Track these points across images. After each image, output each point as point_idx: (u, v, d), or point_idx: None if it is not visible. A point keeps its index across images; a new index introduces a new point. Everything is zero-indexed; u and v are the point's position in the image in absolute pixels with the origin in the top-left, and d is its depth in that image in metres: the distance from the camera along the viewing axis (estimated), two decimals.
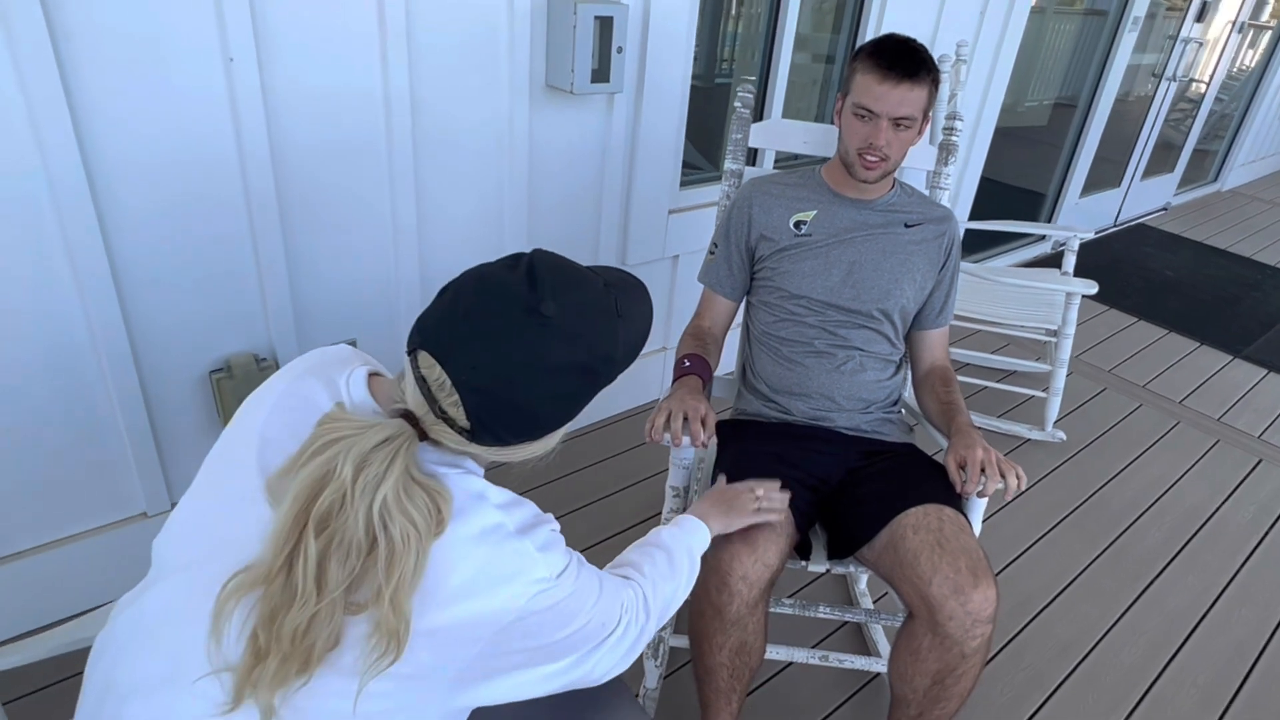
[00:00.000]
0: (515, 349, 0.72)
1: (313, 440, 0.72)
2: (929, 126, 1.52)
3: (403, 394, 0.77)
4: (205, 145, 1.54)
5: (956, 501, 1.36)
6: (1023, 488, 1.29)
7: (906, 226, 1.54)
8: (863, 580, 2.01)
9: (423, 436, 0.75)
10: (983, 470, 1.29)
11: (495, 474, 0.83)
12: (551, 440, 0.82)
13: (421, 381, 0.74)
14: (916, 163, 1.75)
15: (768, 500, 1.26)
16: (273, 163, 1.62)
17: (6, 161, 1.34)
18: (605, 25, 1.89)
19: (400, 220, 1.86)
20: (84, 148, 1.40)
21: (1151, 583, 2.16)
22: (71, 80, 1.35)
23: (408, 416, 0.75)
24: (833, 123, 1.56)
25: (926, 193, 1.70)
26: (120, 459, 1.68)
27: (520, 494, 0.79)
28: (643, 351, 0.85)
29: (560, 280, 0.76)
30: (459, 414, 0.73)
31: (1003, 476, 1.28)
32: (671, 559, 1.06)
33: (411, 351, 0.75)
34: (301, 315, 1.80)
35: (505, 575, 0.74)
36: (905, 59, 1.39)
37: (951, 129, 1.71)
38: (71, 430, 1.60)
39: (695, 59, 2.66)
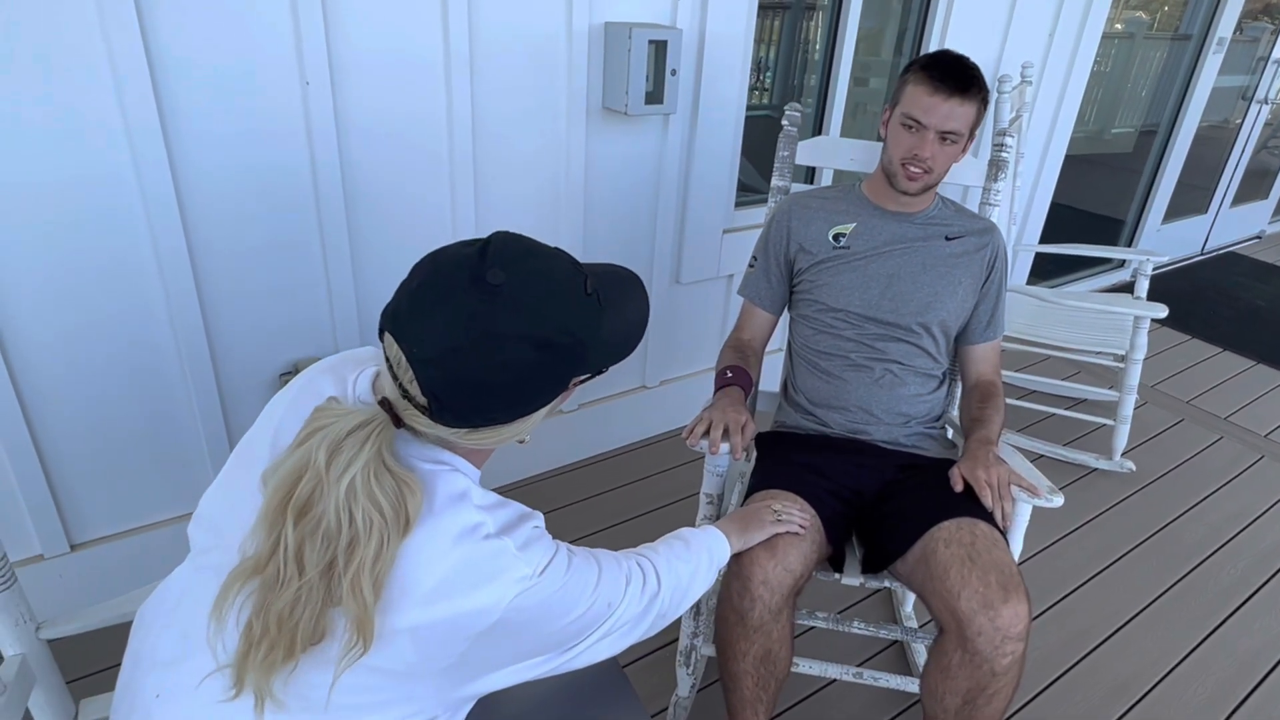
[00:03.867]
0: (460, 317, 0.71)
1: (299, 432, 0.73)
2: (973, 144, 1.51)
3: (384, 384, 0.78)
4: (282, 164, 1.66)
5: (993, 516, 1.34)
6: (1040, 496, 1.31)
7: (947, 240, 1.54)
8: (909, 603, 1.98)
9: (399, 423, 0.76)
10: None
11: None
12: (525, 424, 0.79)
13: (387, 363, 0.75)
14: (967, 179, 1.75)
15: (786, 513, 1.28)
16: (343, 180, 1.73)
17: (106, 177, 1.48)
18: (659, 49, 1.95)
19: (461, 235, 1.95)
20: (174, 163, 1.53)
21: (1223, 623, 2.05)
22: (165, 102, 1.49)
23: (384, 403, 0.76)
24: (878, 138, 1.58)
25: (976, 209, 1.69)
26: (196, 454, 1.80)
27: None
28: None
29: (513, 252, 0.74)
30: (416, 390, 0.72)
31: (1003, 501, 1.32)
32: (689, 547, 1.07)
33: (380, 336, 0.76)
34: (365, 323, 1.90)
35: (484, 575, 0.74)
36: (957, 74, 1.40)
37: (1001, 145, 1.70)
38: (152, 426, 1.73)
39: (768, 89, 2.71)
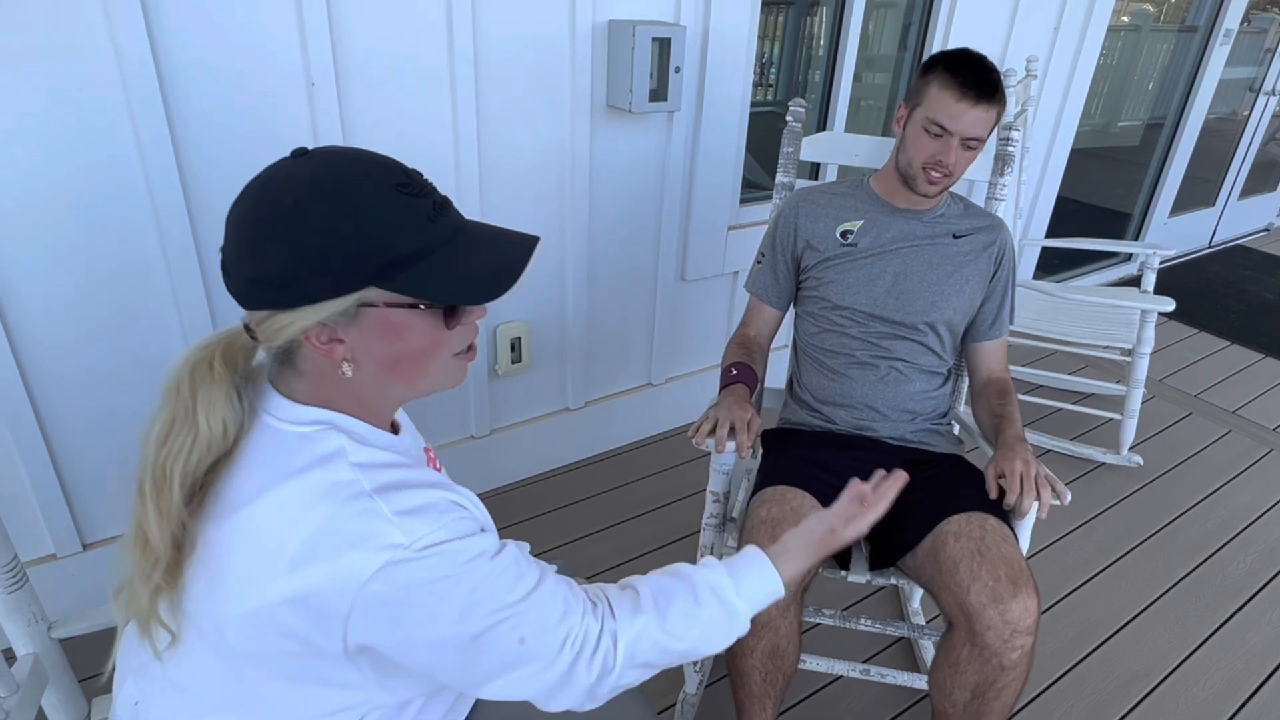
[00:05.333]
0: (251, 185, 0.73)
1: None
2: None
3: None
4: None
5: (1001, 511, 1.34)
6: (1064, 501, 1.28)
7: (955, 237, 1.53)
8: (915, 599, 1.98)
9: (253, 337, 0.74)
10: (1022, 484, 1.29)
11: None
12: (306, 315, 0.70)
13: None
14: (972, 174, 1.74)
15: (872, 494, 0.99)
16: None
17: (115, 181, 1.49)
18: (663, 46, 1.95)
19: None
20: (180, 162, 1.54)
21: (1232, 616, 2.05)
22: (171, 100, 1.49)
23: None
24: (891, 134, 1.57)
25: (981, 203, 1.69)
26: None
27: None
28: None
29: (338, 149, 0.74)
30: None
31: (1038, 492, 1.27)
32: (698, 600, 0.83)
33: None
34: None
35: (349, 538, 0.67)
36: (983, 79, 1.37)
37: (1007, 139, 1.69)
38: None
39: (773, 85, 2.71)
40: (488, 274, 0.73)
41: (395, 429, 0.86)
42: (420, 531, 0.69)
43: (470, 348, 0.80)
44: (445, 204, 0.74)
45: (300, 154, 0.73)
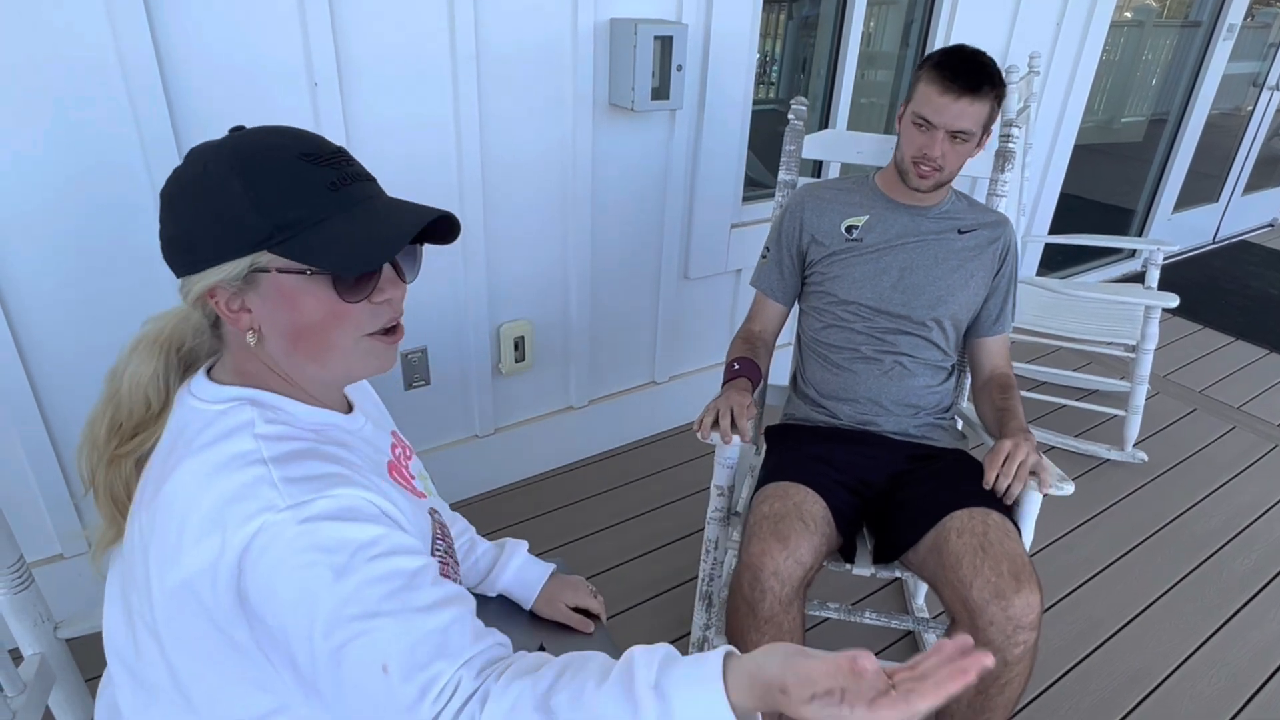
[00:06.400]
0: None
1: None
2: (989, 138, 1.51)
3: None
4: None
5: (1004, 506, 1.34)
6: (1057, 491, 1.29)
7: (960, 233, 1.54)
8: (920, 594, 1.98)
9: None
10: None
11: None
12: (203, 278, 0.72)
13: None
14: (975, 170, 1.74)
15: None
16: None
17: (122, 189, 1.50)
18: (665, 45, 1.95)
19: (469, 234, 1.96)
20: None
21: (1236, 613, 2.04)
22: (174, 101, 1.50)
23: None
24: (894, 131, 1.58)
25: (983, 200, 1.69)
26: None
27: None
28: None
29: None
30: None
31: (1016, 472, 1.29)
32: (600, 681, 0.64)
33: None
34: None
35: (236, 506, 0.65)
36: (969, 72, 1.39)
37: (1008, 136, 1.69)
38: None
39: (774, 84, 2.71)
40: (371, 243, 0.69)
41: (349, 409, 0.84)
42: (300, 496, 0.65)
43: (393, 330, 0.77)
44: (357, 177, 0.72)
45: (234, 130, 0.74)
